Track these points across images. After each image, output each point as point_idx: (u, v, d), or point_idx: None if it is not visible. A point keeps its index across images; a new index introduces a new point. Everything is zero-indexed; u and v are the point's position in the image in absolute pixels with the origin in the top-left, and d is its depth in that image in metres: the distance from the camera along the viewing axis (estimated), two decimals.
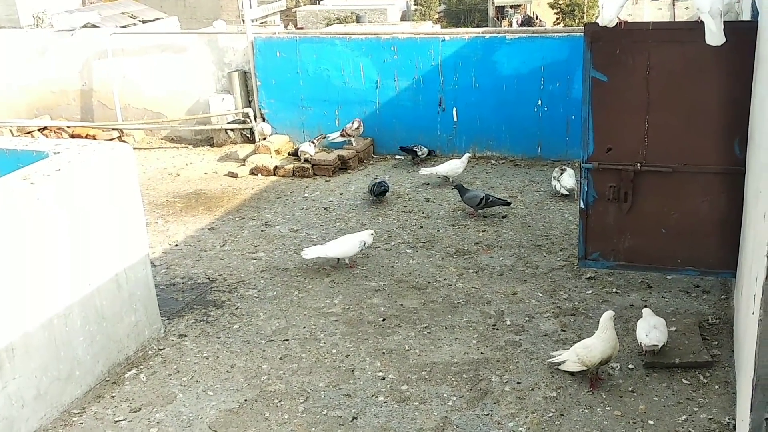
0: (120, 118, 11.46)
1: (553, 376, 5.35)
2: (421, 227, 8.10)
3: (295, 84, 10.59)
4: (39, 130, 11.37)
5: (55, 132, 11.28)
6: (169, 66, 11.32)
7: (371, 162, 10.33)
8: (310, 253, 7.09)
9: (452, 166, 9.17)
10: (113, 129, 11.38)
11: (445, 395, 5.22)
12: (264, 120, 10.84)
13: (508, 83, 9.72)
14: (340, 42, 10.31)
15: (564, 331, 5.95)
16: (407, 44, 10.08)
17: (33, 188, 4.83)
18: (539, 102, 9.65)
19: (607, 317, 5.15)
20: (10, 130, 11.32)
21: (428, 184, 9.32)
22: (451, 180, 9.15)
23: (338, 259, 7.17)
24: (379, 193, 8.69)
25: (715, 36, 5.22)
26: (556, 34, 9.70)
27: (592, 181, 6.29)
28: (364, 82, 10.30)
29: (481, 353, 5.71)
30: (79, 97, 11.84)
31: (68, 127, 11.41)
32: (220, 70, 11.13)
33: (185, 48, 11.24)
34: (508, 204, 8.26)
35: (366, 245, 7.17)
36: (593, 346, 5.16)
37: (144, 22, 23.80)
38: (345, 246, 7.10)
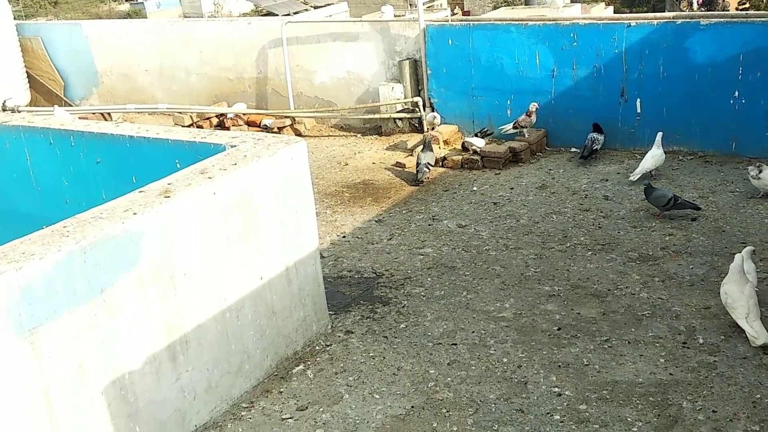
0: (292, 105, 11.62)
1: (755, 407, 4.74)
2: (600, 228, 7.56)
3: (467, 72, 10.24)
4: (217, 116, 11.76)
5: (231, 119, 11.61)
6: (340, 54, 11.32)
7: (544, 155, 9.82)
8: None
9: (655, 158, 8.49)
10: (286, 117, 11.55)
11: (629, 419, 4.76)
12: (433, 109, 10.60)
13: (700, 72, 8.88)
14: (515, 29, 9.84)
15: (767, 353, 5.29)
16: (588, 30, 9.45)
17: (211, 182, 4.82)
18: (736, 93, 8.75)
19: None
20: (190, 116, 11.79)
21: (607, 180, 8.72)
22: (652, 174, 8.52)
23: None
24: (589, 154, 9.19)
25: None
26: (759, 20, 8.74)
27: None
28: (540, 71, 9.78)
29: (670, 374, 5.17)
30: (255, 84, 12.12)
31: (243, 114, 11.71)
32: (390, 59, 10.99)
33: (357, 36, 11.19)
34: (699, 209, 7.53)
35: None
36: None
37: (315, 8, 24.24)
38: None
